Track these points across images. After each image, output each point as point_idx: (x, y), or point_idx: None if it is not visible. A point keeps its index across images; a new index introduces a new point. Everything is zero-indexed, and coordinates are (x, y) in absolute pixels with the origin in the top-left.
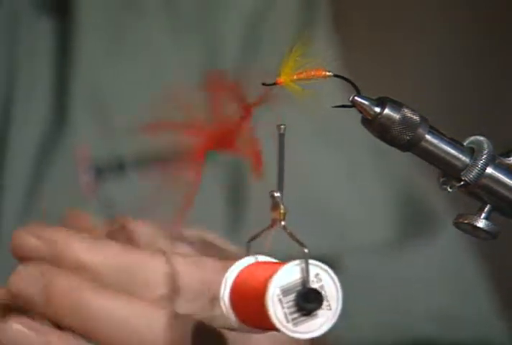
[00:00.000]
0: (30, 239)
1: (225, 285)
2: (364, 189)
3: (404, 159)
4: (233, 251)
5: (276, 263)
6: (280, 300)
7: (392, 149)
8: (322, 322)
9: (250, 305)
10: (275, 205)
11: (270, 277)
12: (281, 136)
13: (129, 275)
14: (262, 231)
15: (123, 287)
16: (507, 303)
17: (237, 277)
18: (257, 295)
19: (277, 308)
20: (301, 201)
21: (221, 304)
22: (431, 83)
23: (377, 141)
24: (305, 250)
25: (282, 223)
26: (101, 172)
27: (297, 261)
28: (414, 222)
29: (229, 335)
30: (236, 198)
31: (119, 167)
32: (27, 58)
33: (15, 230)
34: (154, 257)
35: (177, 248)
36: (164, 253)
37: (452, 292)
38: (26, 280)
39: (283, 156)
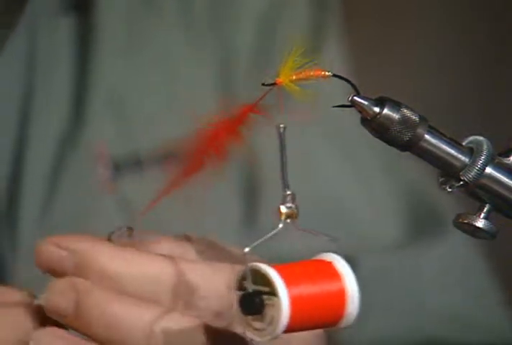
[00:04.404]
0: (55, 250)
1: (282, 298)
2: (375, 190)
3: (414, 160)
4: (234, 252)
5: (306, 261)
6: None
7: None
8: None
9: (320, 305)
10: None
11: (341, 274)
12: (280, 135)
13: (152, 283)
14: (274, 233)
15: (147, 295)
16: None
17: (289, 285)
18: (331, 294)
19: None
20: (313, 203)
21: (280, 317)
22: (431, 83)
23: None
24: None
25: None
26: (118, 169)
27: (337, 255)
28: (424, 221)
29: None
30: (250, 198)
31: (137, 163)
32: (47, 56)
33: (38, 241)
34: (178, 265)
35: (186, 252)
36: (186, 260)
37: (463, 291)
38: (58, 296)
39: (285, 155)
